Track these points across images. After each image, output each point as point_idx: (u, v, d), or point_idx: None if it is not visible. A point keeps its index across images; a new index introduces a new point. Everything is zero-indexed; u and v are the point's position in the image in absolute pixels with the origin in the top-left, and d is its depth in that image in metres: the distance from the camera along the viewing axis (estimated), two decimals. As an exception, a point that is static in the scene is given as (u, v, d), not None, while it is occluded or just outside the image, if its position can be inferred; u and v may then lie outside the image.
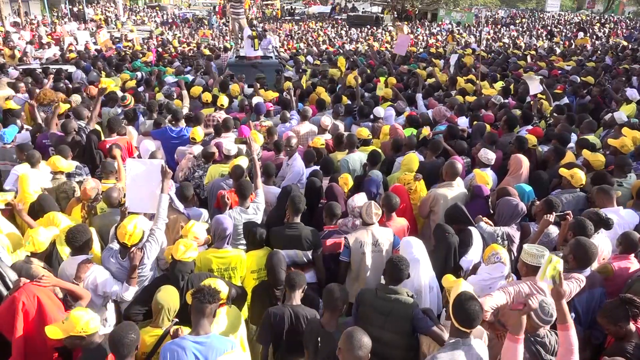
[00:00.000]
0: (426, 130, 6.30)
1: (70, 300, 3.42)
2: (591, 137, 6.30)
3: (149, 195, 4.12)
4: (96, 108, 6.68)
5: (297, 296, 3.35)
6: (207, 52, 15.55)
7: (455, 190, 4.79)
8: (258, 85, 8.84)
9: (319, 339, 3.06)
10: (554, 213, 4.06)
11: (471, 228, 4.09)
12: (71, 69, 11.19)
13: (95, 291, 3.55)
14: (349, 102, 8.17)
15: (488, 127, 6.72)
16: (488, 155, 5.29)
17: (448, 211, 4.26)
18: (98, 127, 6.65)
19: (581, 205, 4.64)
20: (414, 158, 5.29)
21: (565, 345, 2.65)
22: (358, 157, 5.74)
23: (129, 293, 3.60)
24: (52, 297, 3.20)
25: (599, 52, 16.16)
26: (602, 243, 3.93)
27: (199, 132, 6.18)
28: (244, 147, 5.76)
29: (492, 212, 4.58)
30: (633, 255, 3.77)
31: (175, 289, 3.23)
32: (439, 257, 3.90)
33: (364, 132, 6.17)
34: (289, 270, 3.76)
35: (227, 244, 4.01)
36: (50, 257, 3.86)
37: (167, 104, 7.72)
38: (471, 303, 2.70)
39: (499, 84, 9.70)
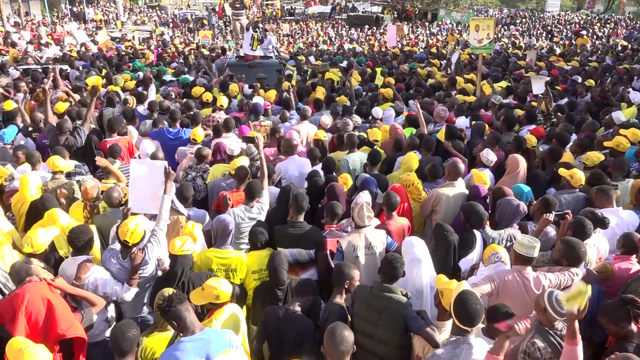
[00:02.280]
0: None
1: (70, 301, 3.42)
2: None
3: (152, 196, 4.12)
4: (90, 109, 6.66)
5: (298, 303, 3.35)
6: (205, 51, 15.58)
7: (457, 189, 4.78)
8: (259, 85, 8.84)
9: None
10: (553, 212, 4.07)
11: (475, 231, 4.08)
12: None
13: (96, 292, 3.54)
14: (348, 102, 8.18)
15: (487, 126, 6.72)
16: (489, 156, 5.29)
17: (469, 207, 4.15)
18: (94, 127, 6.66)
19: (581, 206, 4.62)
20: (413, 157, 5.30)
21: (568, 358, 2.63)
22: (358, 157, 5.74)
23: (130, 294, 3.60)
24: (60, 297, 3.20)
25: (599, 52, 16.16)
26: (599, 242, 3.94)
27: (199, 132, 6.17)
28: (245, 147, 5.76)
29: (488, 212, 4.58)
30: (634, 256, 3.77)
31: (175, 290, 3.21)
32: (439, 256, 3.89)
33: (375, 133, 6.15)
34: (291, 270, 3.76)
35: (230, 243, 4.01)
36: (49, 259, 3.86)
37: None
38: (472, 302, 2.71)
39: (503, 84, 9.68)
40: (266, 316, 3.34)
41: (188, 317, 2.84)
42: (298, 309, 3.32)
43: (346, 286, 3.36)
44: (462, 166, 4.95)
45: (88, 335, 3.57)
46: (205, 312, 3.39)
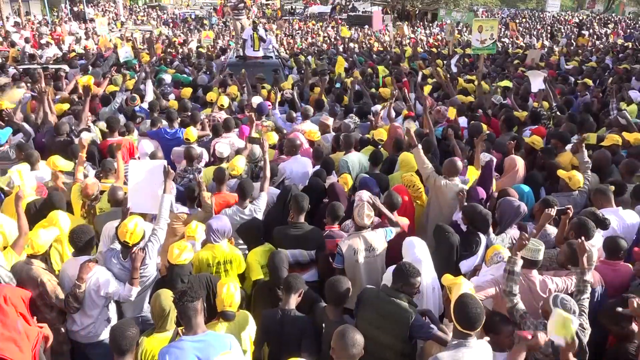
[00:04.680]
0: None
1: (71, 301, 3.41)
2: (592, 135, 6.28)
3: (151, 195, 4.11)
4: (85, 109, 6.64)
5: (292, 300, 3.30)
6: (203, 50, 15.58)
7: (455, 183, 4.72)
8: (259, 85, 8.82)
9: (323, 325, 3.22)
10: (555, 207, 4.05)
11: (481, 235, 4.04)
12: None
13: (98, 292, 3.53)
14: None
15: (485, 127, 6.69)
16: (486, 159, 5.27)
17: (472, 209, 4.10)
18: (102, 126, 6.64)
19: (579, 208, 4.61)
20: (412, 156, 5.27)
21: None
22: (357, 158, 5.72)
23: (132, 293, 3.59)
24: (18, 316, 3.15)
25: (599, 52, 16.14)
26: (598, 243, 3.91)
27: (192, 132, 6.10)
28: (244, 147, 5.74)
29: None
30: (619, 260, 3.74)
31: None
32: (440, 257, 3.88)
33: (381, 133, 6.14)
34: (291, 271, 3.75)
35: (216, 240, 4.01)
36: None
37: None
38: (472, 306, 2.70)
39: (504, 83, 9.66)
40: (264, 320, 3.32)
41: (193, 316, 2.85)
42: (293, 307, 3.29)
43: (344, 302, 3.29)
44: (459, 164, 4.89)
45: (88, 335, 3.58)
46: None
